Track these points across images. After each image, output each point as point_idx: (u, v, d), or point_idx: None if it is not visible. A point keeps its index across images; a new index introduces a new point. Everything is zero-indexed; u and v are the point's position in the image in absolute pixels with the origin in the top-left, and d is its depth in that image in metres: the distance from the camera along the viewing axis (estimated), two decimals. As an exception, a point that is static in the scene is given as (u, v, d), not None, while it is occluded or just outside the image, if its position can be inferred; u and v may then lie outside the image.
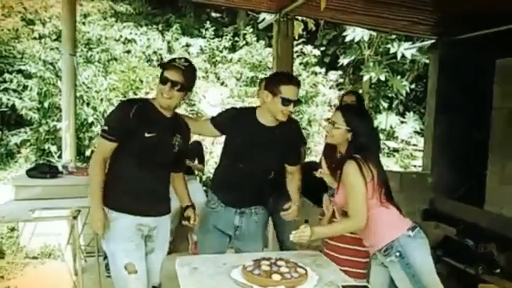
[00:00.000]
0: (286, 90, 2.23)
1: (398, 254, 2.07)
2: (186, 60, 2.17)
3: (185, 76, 2.10)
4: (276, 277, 1.73)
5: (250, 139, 2.30)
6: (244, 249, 2.43)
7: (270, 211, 2.70)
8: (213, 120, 2.42)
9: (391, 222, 2.14)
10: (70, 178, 3.17)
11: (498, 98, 4.07)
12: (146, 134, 2.09)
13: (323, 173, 2.37)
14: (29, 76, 6.86)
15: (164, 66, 2.15)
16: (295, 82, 2.30)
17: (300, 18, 5.39)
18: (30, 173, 3.03)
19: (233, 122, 2.38)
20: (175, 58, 2.19)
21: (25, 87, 6.79)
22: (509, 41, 3.77)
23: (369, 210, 2.06)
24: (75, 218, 2.75)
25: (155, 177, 2.20)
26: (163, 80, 2.10)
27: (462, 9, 3.90)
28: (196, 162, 4.35)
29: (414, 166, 8.80)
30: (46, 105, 6.70)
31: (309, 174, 2.49)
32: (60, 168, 3.22)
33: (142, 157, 2.12)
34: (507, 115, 3.96)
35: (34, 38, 7.47)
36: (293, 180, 2.51)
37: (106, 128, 2.12)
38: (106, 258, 3.53)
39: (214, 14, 10.91)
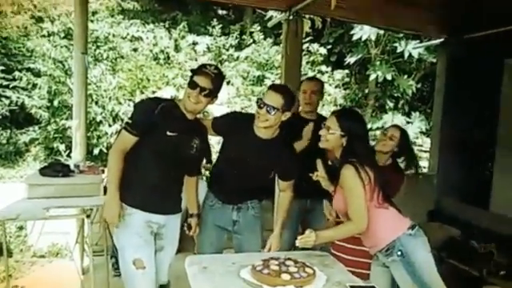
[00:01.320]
0: (266, 95, 2.27)
1: (399, 253, 2.11)
2: (216, 67, 2.22)
3: (213, 83, 2.15)
4: (285, 276, 1.75)
5: (241, 148, 2.32)
6: (243, 242, 2.45)
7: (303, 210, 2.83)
8: (214, 121, 2.46)
9: (391, 223, 2.17)
10: (81, 177, 3.21)
11: (506, 98, 4.05)
12: (168, 133, 2.14)
13: (319, 175, 2.36)
14: (38, 74, 6.89)
15: (194, 71, 2.20)
16: (276, 90, 2.27)
17: (307, 15, 5.34)
18: (43, 171, 3.07)
19: (230, 127, 2.40)
20: (206, 65, 2.23)
21: (34, 85, 6.82)
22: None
23: (368, 211, 2.08)
24: (88, 216, 2.80)
25: (169, 176, 2.24)
26: (192, 84, 2.15)
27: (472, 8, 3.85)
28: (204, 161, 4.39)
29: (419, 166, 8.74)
30: (55, 103, 6.72)
31: None
32: (72, 167, 3.26)
33: (159, 155, 2.17)
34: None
35: (43, 36, 7.52)
36: (282, 199, 2.49)
37: (129, 121, 2.16)
38: (112, 257, 3.59)
39: (220, 12, 10.93)
